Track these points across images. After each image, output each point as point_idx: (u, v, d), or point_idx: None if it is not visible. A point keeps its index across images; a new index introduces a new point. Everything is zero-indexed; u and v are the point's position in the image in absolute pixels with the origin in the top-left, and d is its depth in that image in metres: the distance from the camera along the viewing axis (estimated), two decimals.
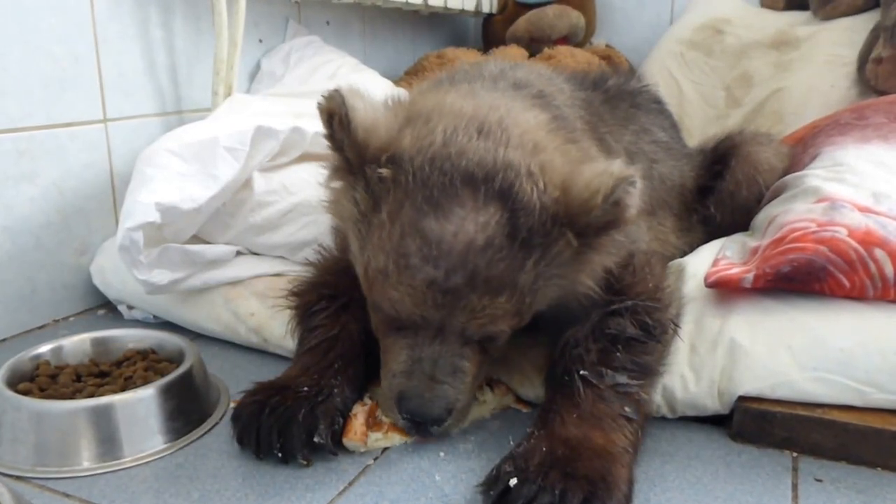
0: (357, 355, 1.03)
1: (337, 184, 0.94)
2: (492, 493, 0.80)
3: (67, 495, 0.87)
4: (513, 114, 0.92)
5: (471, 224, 0.81)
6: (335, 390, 0.96)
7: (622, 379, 0.91)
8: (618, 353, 0.93)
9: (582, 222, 0.84)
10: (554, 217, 0.84)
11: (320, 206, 1.33)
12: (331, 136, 0.89)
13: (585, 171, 0.84)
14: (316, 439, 0.91)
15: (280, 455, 0.90)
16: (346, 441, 0.94)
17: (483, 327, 0.85)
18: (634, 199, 0.81)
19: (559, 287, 0.89)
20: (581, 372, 0.91)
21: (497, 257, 0.82)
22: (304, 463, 0.91)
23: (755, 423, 0.97)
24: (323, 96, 0.87)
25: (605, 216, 0.82)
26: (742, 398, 0.97)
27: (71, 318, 1.43)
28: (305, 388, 0.95)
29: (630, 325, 0.94)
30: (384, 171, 0.85)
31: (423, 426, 0.89)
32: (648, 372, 0.94)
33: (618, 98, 1.32)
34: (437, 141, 0.85)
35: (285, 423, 0.91)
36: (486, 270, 0.81)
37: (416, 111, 0.91)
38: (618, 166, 0.83)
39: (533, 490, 0.77)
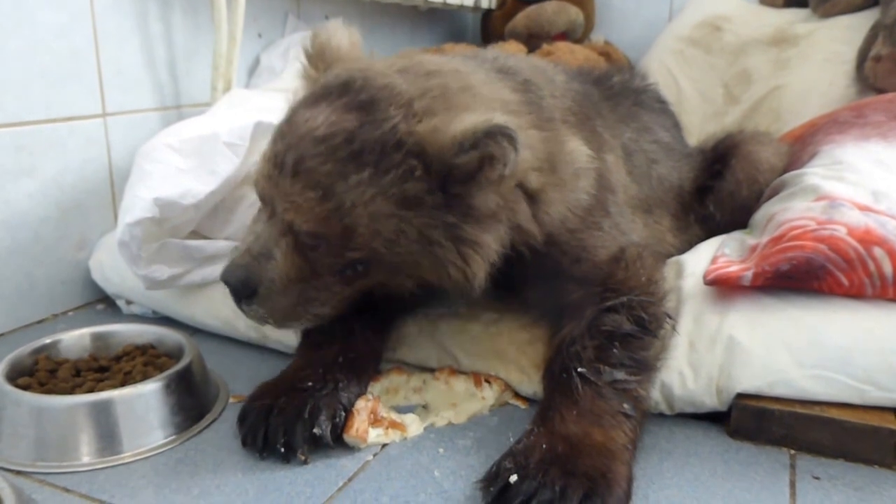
0: (362, 352, 1.03)
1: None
2: (492, 489, 0.80)
3: (67, 490, 0.87)
4: (459, 76, 0.94)
5: (321, 117, 0.88)
6: (340, 385, 0.97)
7: (620, 375, 0.91)
8: (615, 350, 0.93)
9: (431, 153, 0.84)
10: (399, 142, 0.85)
11: None
12: (305, 52, 1.04)
13: (465, 117, 0.84)
14: (316, 430, 0.91)
15: (283, 451, 0.90)
16: (346, 437, 0.94)
17: (288, 213, 0.88)
18: (506, 154, 0.80)
19: (410, 241, 0.87)
20: (579, 369, 0.91)
21: (324, 154, 0.86)
22: (303, 459, 0.91)
23: (753, 421, 0.97)
24: (319, 26, 1.04)
25: (459, 157, 0.82)
26: (740, 395, 0.98)
27: (70, 313, 1.43)
28: (310, 383, 0.95)
29: (626, 320, 0.95)
30: (310, 71, 1.00)
31: (234, 294, 0.94)
32: (646, 367, 0.94)
33: (621, 95, 1.32)
34: (362, 64, 0.95)
35: (291, 421, 0.91)
36: (309, 161, 0.86)
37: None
38: (499, 116, 0.82)
39: (533, 486, 0.78)
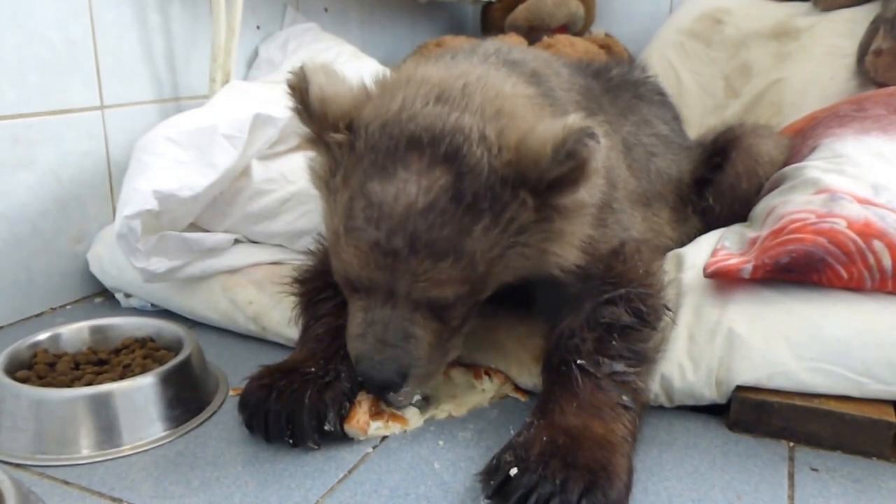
0: None
1: (309, 155, 0.98)
2: (492, 482, 0.80)
3: (67, 483, 0.87)
4: (484, 81, 0.91)
5: (413, 186, 0.82)
6: (342, 375, 0.97)
7: (619, 367, 0.91)
8: (613, 342, 0.93)
9: (533, 178, 0.83)
10: (504, 179, 0.83)
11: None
12: (296, 110, 0.93)
13: (540, 128, 0.83)
14: (326, 427, 0.91)
15: (290, 441, 0.91)
16: (347, 428, 0.94)
17: (427, 291, 0.85)
18: (594, 153, 0.80)
19: (526, 257, 0.88)
20: (578, 361, 0.91)
21: (439, 221, 0.81)
22: (315, 447, 0.91)
23: (752, 413, 0.97)
24: (289, 71, 0.92)
25: (557, 169, 0.81)
26: (739, 388, 0.98)
27: (68, 307, 1.43)
28: (312, 369, 0.95)
29: (624, 312, 0.95)
30: (338, 137, 0.89)
31: (381, 390, 0.91)
32: (644, 359, 0.95)
33: (620, 88, 1.31)
34: (394, 108, 0.87)
35: (293, 407, 0.91)
36: (426, 234, 0.81)
37: (389, 82, 0.94)
38: (574, 118, 0.81)
39: (533, 479, 0.78)
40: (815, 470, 0.90)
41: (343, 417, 0.94)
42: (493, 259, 0.86)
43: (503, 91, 0.91)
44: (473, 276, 0.85)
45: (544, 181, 0.83)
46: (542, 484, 0.77)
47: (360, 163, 0.86)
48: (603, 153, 0.81)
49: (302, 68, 0.90)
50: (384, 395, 0.93)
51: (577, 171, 0.82)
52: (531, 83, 0.99)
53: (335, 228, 0.88)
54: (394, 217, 0.82)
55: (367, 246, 0.84)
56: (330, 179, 0.91)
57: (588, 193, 0.87)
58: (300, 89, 0.90)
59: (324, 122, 0.90)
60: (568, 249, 0.91)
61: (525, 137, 0.83)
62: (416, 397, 0.99)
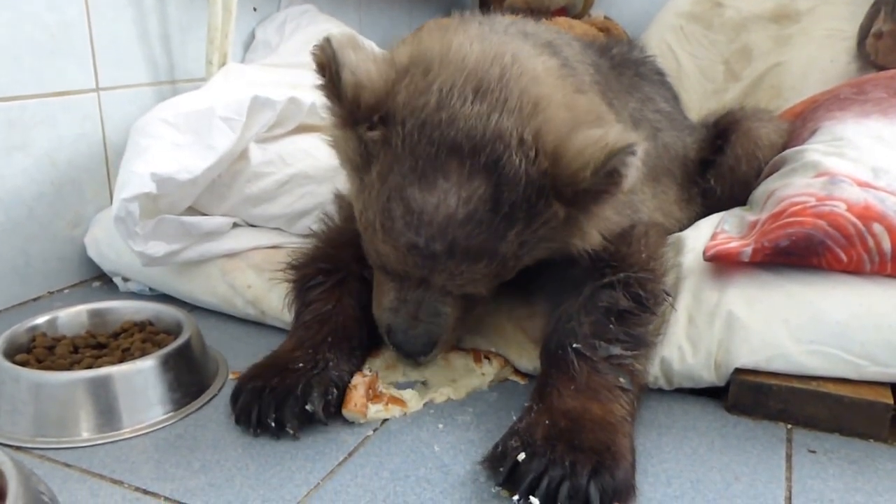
0: (352, 330, 1.03)
1: (337, 130, 0.95)
2: (501, 469, 0.80)
3: (68, 465, 0.87)
4: (518, 62, 0.89)
5: (453, 197, 0.83)
6: (330, 363, 0.97)
7: (616, 350, 0.91)
8: (611, 325, 0.93)
9: (569, 193, 0.83)
10: (541, 189, 0.84)
11: (317, 176, 1.33)
12: (324, 87, 0.90)
13: (579, 138, 0.82)
14: (308, 407, 0.92)
15: (273, 425, 0.91)
16: (345, 412, 0.95)
17: (462, 287, 0.91)
18: (632, 170, 0.80)
19: (550, 248, 0.91)
20: (574, 345, 0.91)
21: (477, 229, 0.84)
22: (292, 433, 0.91)
23: (751, 396, 0.98)
24: (316, 45, 0.88)
25: (595, 187, 0.82)
26: (738, 370, 0.98)
27: (66, 291, 1.43)
28: (301, 364, 0.96)
29: (623, 297, 0.95)
30: (374, 135, 0.87)
31: (410, 355, 0.98)
32: (642, 343, 0.95)
33: (622, 66, 1.31)
34: (431, 103, 0.84)
35: (282, 400, 0.92)
36: (465, 241, 0.84)
37: (418, 56, 0.90)
38: (615, 134, 0.81)
39: (543, 464, 0.78)
40: (813, 452, 0.91)
41: (329, 401, 0.94)
42: (521, 255, 0.89)
43: (537, 73, 0.89)
44: (502, 270, 0.90)
45: (578, 190, 0.83)
46: (551, 468, 0.77)
47: (398, 163, 0.85)
48: (640, 165, 0.81)
49: (330, 42, 0.86)
50: (412, 358, 0.99)
51: (613, 186, 0.82)
52: (552, 54, 0.99)
53: (370, 220, 0.89)
54: (434, 225, 0.84)
55: (405, 246, 0.86)
56: (363, 170, 0.90)
57: (624, 202, 0.90)
58: (329, 67, 0.86)
59: (356, 109, 0.87)
60: (591, 237, 0.93)
61: (563, 147, 0.82)
62: (372, 408, 0.97)
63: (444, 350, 1.01)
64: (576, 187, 0.82)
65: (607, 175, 0.80)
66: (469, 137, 0.83)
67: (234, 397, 0.95)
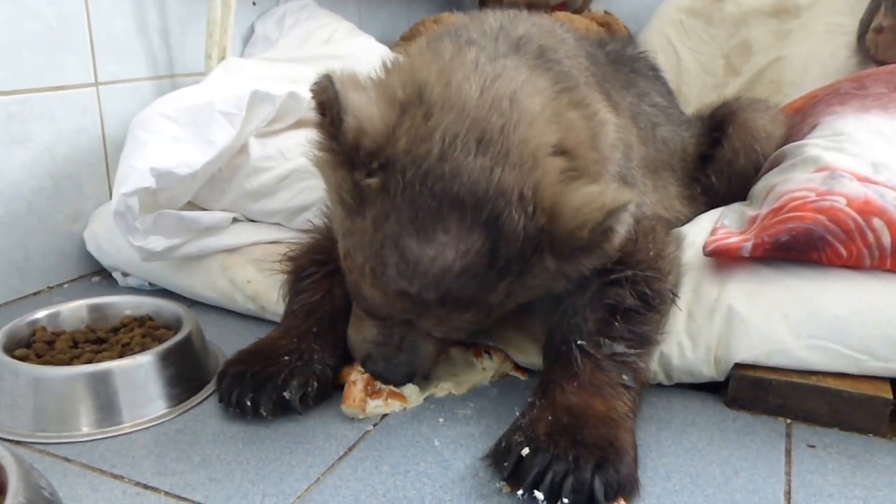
0: (339, 321, 1.03)
1: (328, 168, 0.91)
2: (505, 464, 0.80)
3: (68, 460, 0.87)
4: (516, 104, 0.86)
5: (451, 251, 0.82)
6: (315, 356, 0.98)
7: (620, 348, 0.91)
8: (616, 323, 0.93)
9: (566, 250, 0.84)
10: (537, 245, 0.84)
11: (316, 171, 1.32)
12: (323, 126, 0.87)
13: (577, 197, 0.82)
14: (286, 395, 0.93)
15: (250, 406, 0.93)
16: (344, 408, 0.95)
17: (447, 333, 0.94)
18: (624, 226, 0.82)
19: (535, 293, 0.92)
20: (578, 341, 0.91)
21: (469, 281, 0.84)
22: (265, 414, 0.93)
23: (750, 390, 0.98)
24: (315, 83, 0.84)
25: (590, 244, 0.83)
26: (738, 365, 0.98)
27: (65, 285, 1.42)
28: (286, 358, 0.97)
29: (629, 295, 0.94)
30: (372, 182, 0.83)
31: (387, 382, 0.98)
32: (646, 341, 0.95)
33: (618, 62, 1.31)
34: (434, 153, 0.81)
35: (261, 385, 0.94)
36: (458, 291, 0.85)
37: (416, 92, 0.86)
38: (611, 193, 0.82)
39: (546, 458, 0.78)
40: (812, 446, 0.91)
41: (306, 394, 0.95)
42: (508, 304, 0.90)
43: (534, 117, 0.87)
44: (487, 318, 0.92)
45: (573, 247, 0.84)
46: (555, 463, 0.77)
47: (396, 211, 0.82)
48: (630, 219, 0.82)
49: (330, 80, 0.82)
50: (388, 383, 0.99)
51: (606, 242, 0.83)
52: (542, 67, 0.96)
53: (357, 264, 0.88)
54: (428, 276, 0.83)
55: (395, 293, 0.86)
56: (355, 212, 0.86)
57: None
58: (331, 108, 0.83)
59: (355, 154, 0.84)
60: (571, 281, 0.92)
61: (560, 205, 0.82)
62: (372, 403, 0.98)
63: (424, 373, 1.02)
64: (572, 245, 0.83)
65: (602, 233, 0.81)
66: (472, 193, 0.81)
67: (219, 380, 0.98)
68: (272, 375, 0.95)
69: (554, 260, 0.85)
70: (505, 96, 0.87)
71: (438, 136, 0.82)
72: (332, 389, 1.00)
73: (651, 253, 0.98)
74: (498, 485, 0.82)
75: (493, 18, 1.08)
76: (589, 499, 0.76)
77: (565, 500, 0.75)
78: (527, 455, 0.79)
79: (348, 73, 0.87)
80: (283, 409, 0.94)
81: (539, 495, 0.76)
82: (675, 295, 1.00)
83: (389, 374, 0.96)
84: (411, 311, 0.89)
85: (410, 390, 0.99)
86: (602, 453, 0.78)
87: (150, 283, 1.38)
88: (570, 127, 0.90)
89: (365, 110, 0.83)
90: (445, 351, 1.04)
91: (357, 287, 0.91)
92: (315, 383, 0.96)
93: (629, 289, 0.94)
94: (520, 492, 0.78)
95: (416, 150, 0.82)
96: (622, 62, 1.34)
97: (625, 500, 0.77)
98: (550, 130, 0.88)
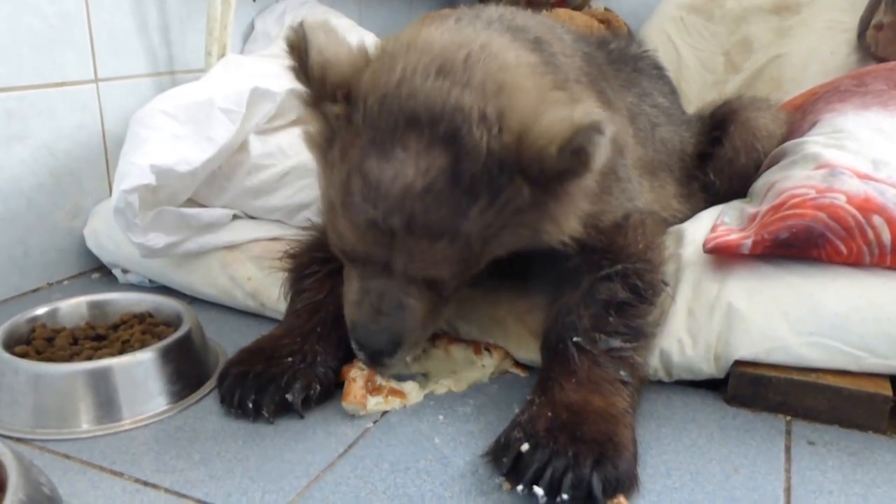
0: (342, 321, 1.02)
1: (306, 124, 0.94)
2: (505, 460, 0.80)
3: (68, 457, 0.87)
4: (487, 51, 0.87)
5: (411, 168, 0.80)
6: (318, 357, 0.98)
7: (615, 343, 0.92)
8: (610, 318, 0.93)
9: (535, 171, 0.81)
10: (502, 164, 0.81)
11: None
12: (293, 69, 0.89)
13: (546, 117, 0.80)
14: (288, 397, 0.93)
15: (252, 407, 0.93)
16: (345, 405, 0.95)
17: (423, 270, 0.85)
18: (600, 149, 0.78)
19: (520, 235, 0.88)
20: (574, 339, 0.91)
21: (436, 203, 0.80)
22: (266, 416, 0.93)
23: (750, 388, 0.98)
24: (289, 27, 0.87)
25: (561, 165, 0.80)
26: (738, 362, 0.98)
27: (65, 282, 1.42)
28: (290, 359, 0.97)
29: (621, 289, 0.94)
30: (336, 108, 0.86)
31: (375, 356, 0.91)
32: (641, 335, 0.95)
33: (620, 61, 1.30)
34: (393, 80, 0.83)
35: (264, 386, 0.94)
36: (423, 216, 0.81)
37: (389, 47, 0.90)
38: (581, 111, 0.79)
39: (546, 454, 0.78)
40: (812, 443, 0.91)
41: (308, 396, 0.95)
42: (488, 238, 0.85)
43: (507, 62, 0.88)
44: (468, 254, 0.85)
45: (545, 170, 0.81)
46: (555, 458, 0.77)
47: (358, 138, 0.84)
48: (608, 146, 0.79)
49: (301, 25, 0.86)
50: (377, 360, 0.92)
51: (580, 165, 0.80)
52: (534, 50, 0.97)
53: (331, 200, 0.88)
54: (391, 198, 0.81)
55: (364, 223, 0.83)
56: (327, 149, 0.89)
57: (591, 180, 0.86)
58: (299, 49, 0.86)
59: (322, 88, 0.87)
60: (566, 225, 0.90)
61: (529, 127, 0.81)
62: (372, 400, 0.97)
63: (409, 352, 0.95)
64: (542, 164, 0.80)
65: (574, 153, 0.78)
66: (427, 108, 0.81)
67: (221, 380, 0.98)
68: (275, 377, 0.95)
69: (527, 186, 0.83)
70: (477, 41, 0.88)
71: (399, 67, 0.84)
72: (334, 389, 1.00)
73: (640, 245, 0.98)
74: (497, 481, 0.82)
75: (493, 9, 1.08)
76: (588, 494, 0.76)
77: (564, 496, 0.75)
78: (526, 451, 0.79)
79: (321, 21, 0.89)
80: (284, 411, 0.94)
81: (539, 491, 0.76)
82: (668, 285, 1.00)
83: (372, 341, 0.89)
84: (382, 244, 0.84)
85: (410, 387, 0.99)
86: (601, 449, 0.78)
87: (149, 280, 1.38)
88: (547, 94, 0.88)
89: (331, 48, 0.86)
90: (431, 321, 0.94)
91: (333, 226, 0.89)
92: (318, 386, 0.96)
93: (620, 282, 0.94)
94: (519, 487, 0.78)
95: (376, 80, 0.84)
96: (625, 61, 1.33)
97: (624, 497, 0.77)
98: (524, 79, 0.86)
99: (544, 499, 0.76)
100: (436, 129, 0.81)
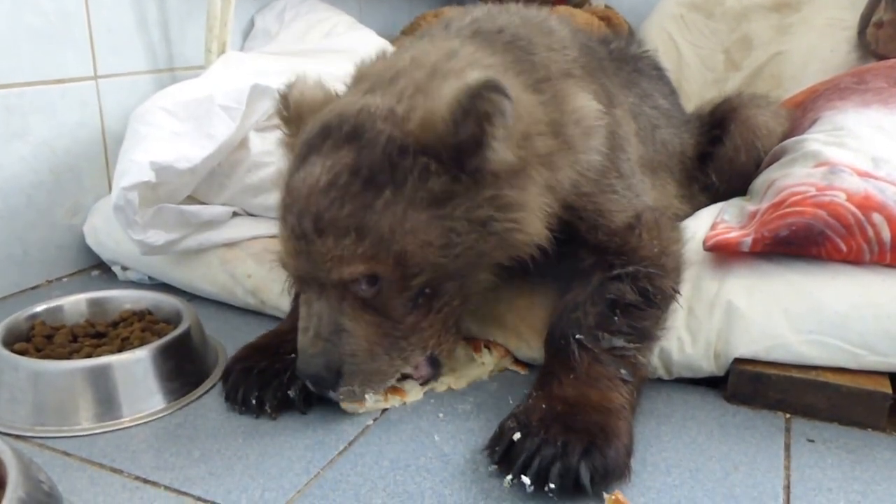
0: None
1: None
2: (497, 448, 0.82)
3: (67, 454, 0.87)
4: (418, 63, 0.89)
5: (318, 168, 0.83)
6: None
7: (619, 342, 0.91)
8: (616, 318, 0.93)
9: (434, 144, 0.80)
10: (403, 148, 0.81)
11: None
12: (279, 114, 0.98)
13: (441, 91, 0.80)
14: (290, 393, 0.94)
15: (255, 403, 0.93)
16: (343, 405, 0.95)
17: (334, 271, 0.82)
18: (500, 106, 0.76)
19: (464, 235, 0.83)
20: (577, 336, 0.91)
21: (339, 198, 0.81)
22: (269, 412, 0.93)
23: (750, 385, 0.98)
24: (284, 85, 0.96)
25: (460, 131, 0.78)
26: (737, 360, 0.98)
27: (64, 279, 1.42)
28: (293, 355, 0.96)
29: (630, 290, 0.94)
30: (289, 139, 0.93)
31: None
32: (646, 336, 0.95)
33: (620, 61, 1.30)
34: (330, 105, 0.89)
35: (267, 382, 0.95)
36: (328, 212, 0.81)
37: (352, 82, 0.98)
38: (475, 76, 0.78)
39: (536, 443, 0.79)
40: (812, 441, 0.91)
41: (310, 393, 0.94)
42: (405, 234, 0.81)
43: (439, 68, 0.87)
44: (385, 254, 0.82)
45: (448, 145, 0.80)
46: (544, 447, 0.78)
47: (292, 158, 0.89)
48: (523, 106, 0.78)
49: (294, 79, 0.95)
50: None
51: (480, 130, 0.78)
52: (503, 51, 0.96)
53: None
54: (301, 200, 0.83)
55: (287, 233, 0.85)
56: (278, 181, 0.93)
57: (516, 153, 0.83)
58: (286, 96, 0.95)
59: (292, 124, 0.95)
60: (521, 216, 0.86)
61: (428, 105, 0.80)
62: (372, 398, 0.94)
63: (363, 386, 0.88)
64: (438, 136, 0.79)
65: (466, 114, 0.77)
66: (340, 115, 0.85)
67: (225, 376, 0.98)
68: (277, 373, 0.95)
69: (432, 161, 0.81)
70: (413, 56, 0.92)
71: (350, 93, 0.91)
72: None
73: (655, 250, 0.98)
74: (490, 468, 0.82)
75: (478, 11, 1.08)
76: (575, 484, 0.76)
77: (552, 485, 0.76)
78: (518, 439, 0.80)
79: (316, 77, 0.97)
80: (287, 407, 0.95)
81: (525, 480, 0.77)
82: (677, 292, 1.00)
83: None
84: (299, 252, 0.83)
85: (410, 385, 0.99)
86: (591, 439, 0.79)
87: (149, 277, 1.38)
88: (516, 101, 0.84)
89: (311, 92, 0.94)
90: (374, 351, 0.87)
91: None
92: None
93: (630, 284, 0.94)
94: (509, 476, 0.78)
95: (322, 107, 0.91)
96: (625, 61, 1.33)
97: (621, 494, 0.77)
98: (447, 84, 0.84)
99: (531, 488, 0.77)
100: (342, 130, 0.84)
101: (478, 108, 0.77)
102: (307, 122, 0.91)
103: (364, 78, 0.94)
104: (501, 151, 0.81)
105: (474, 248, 0.86)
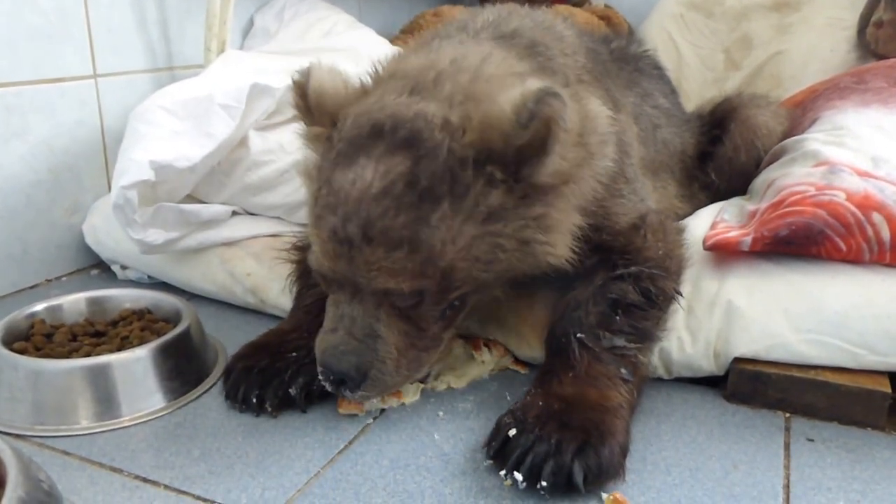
0: None
1: (303, 148, 0.97)
2: (493, 444, 0.82)
3: (67, 453, 0.87)
4: (459, 65, 0.87)
5: (370, 172, 0.79)
6: None
7: (619, 342, 0.91)
8: (617, 318, 0.93)
9: (499, 148, 0.78)
10: (464, 160, 0.79)
11: None
12: (295, 104, 0.93)
13: (501, 97, 0.79)
14: (291, 391, 0.94)
15: (255, 401, 0.94)
16: (340, 411, 0.95)
17: (381, 282, 0.80)
18: (561, 112, 0.76)
19: (504, 250, 0.83)
20: (578, 335, 0.91)
21: (393, 207, 0.78)
22: (270, 410, 0.94)
23: (749, 384, 0.98)
24: (296, 70, 0.92)
25: (523, 135, 0.77)
26: (737, 360, 0.98)
27: (63, 278, 1.42)
28: (294, 354, 0.97)
29: (632, 291, 0.94)
30: (317, 130, 0.89)
31: (338, 383, 0.85)
32: (647, 336, 0.95)
33: (621, 60, 1.30)
34: (369, 102, 0.86)
35: (268, 381, 0.95)
36: (380, 221, 0.78)
37: (379, 77, 0.93)
38: (531, 82, 0.78)
39: (530, 439, 0.79)
40: (811, 440, 0.91)
41: (311, 392, 0.95)
42: (457, 250, 0.80)
43: (481, 73, 0.86)
44: (433, 269, 0.80)
45: (511, 149, 0.78)
46: (538, 444, 0.78)
47: (331, 153, 0.85)
48: (572, 114, 0.77)
49: (308, 67, 0.90)
50: (339, 391, 0.86)
51: (545, 134, 0.77)
52: (526, 56, 0.96)
53: (309, 222, 0.87)
54: (349, 202, 0.79)
55: (326, 234, 0.81)
56: (311, 173, 0.90)
57: (567, 161, 0.82)
58: (302, 86, 0.90)
59: (317, 117, 0.90)
60: (555, 238, 0.85)
61: (487, 111, 0.79)
62: (373, 404, 0.95)
63: (376, 393, 0.88)
64: (504, 139, 0.77)
65: (531, 117, 0.75)
66: (391, 118, 0.81)
67: (226, 374, 0.98)
68: (278, 371, 0.95)
69: (497, 169, 0.79)
70: (447, 59, 0.89)
71: (379, 93, 0.88)
72: None
73: (660, 252, 0.98)
74: (485, 464, 0.83)
75: (489, 13, 1.08)
76: (568, 483, 0.76)
77: (543, 483, 0.76)
78: (513, 435, 0.80)
79: (329, 65, 0.92)
80: (287, 406, 0.95)
81: (518, 476, 0.77)
82: (679, 294, 1.00)
83: (336, 363, 0.83)
84: (341, 256, 0.81)
85: (408, 386, 0.99)
86: (586, 437, 0.79)
87: (148, 276, 1.38)
88: None
89: (329, 83, 0.90)
90: (405, 361, 0.86)
91: (312, 250, 0.87)
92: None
93: (633, 284, 0.94)
94: (502, 472, 0.79)
95: (359, 105, 0.87)
96: (626, 60, 1.33)
97: (620, 494, 0.77)
98: (501, 89, 0.82)
99: (523, 484, 0.77)
100: (396, 135, 0.80)
101: (543, 112, 0.76)
102: (338, 115, 0.87)
103: (399, 75, 0.89)
104: (558, 159, 0.81)
105: (511, 264, 0.85)
